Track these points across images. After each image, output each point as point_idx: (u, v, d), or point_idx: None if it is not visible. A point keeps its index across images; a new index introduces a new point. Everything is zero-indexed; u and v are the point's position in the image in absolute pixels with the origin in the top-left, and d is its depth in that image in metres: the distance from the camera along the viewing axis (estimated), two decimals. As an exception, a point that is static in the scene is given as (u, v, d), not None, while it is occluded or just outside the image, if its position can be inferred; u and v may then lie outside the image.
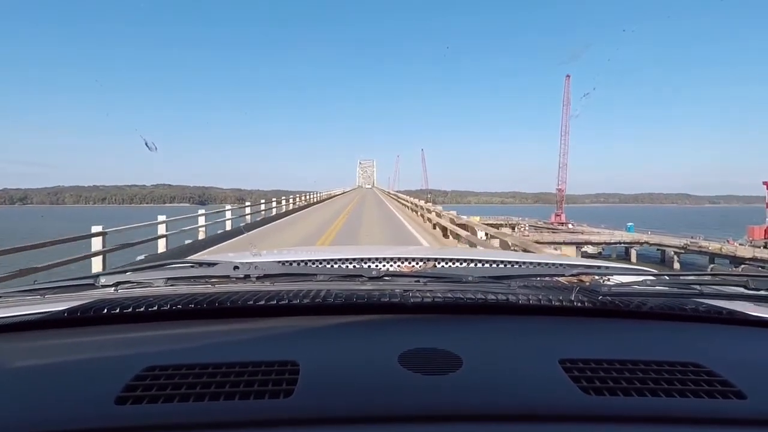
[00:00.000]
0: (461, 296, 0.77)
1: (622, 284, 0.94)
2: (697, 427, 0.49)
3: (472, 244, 8.53)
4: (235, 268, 0.92)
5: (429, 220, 14.68)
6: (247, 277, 0.90)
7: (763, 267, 25.05)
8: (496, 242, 7.95)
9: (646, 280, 0.97)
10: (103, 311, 0.72)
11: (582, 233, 41.83)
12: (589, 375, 0.56)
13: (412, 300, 0.76)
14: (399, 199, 32.06)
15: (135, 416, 0.48)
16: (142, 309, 0.73)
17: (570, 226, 50.75)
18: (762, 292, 0.81)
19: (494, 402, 0.52)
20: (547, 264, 1.41)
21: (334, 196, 44.99)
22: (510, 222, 51.82)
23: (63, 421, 0.47)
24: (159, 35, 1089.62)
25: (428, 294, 0.78)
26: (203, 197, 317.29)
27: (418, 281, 0.89)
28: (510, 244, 7.17)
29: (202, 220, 11.19)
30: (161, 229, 9.15)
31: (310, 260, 1.46)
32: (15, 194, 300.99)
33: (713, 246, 31.73)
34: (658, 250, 36.17)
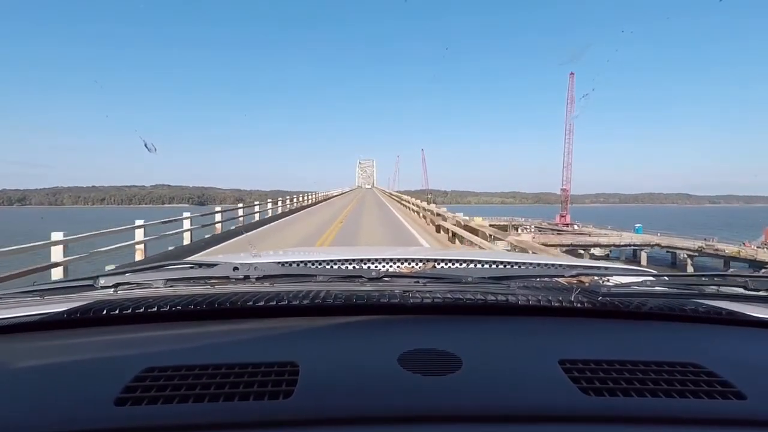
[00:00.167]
0: (461, 297, 0.77)
1: (622, 285, 0.95)
2: (697, 427, 0.49)
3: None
4: (235, 269, 0.92)
5: (447, 230, 11.46)
6: (246, 277, 0.90)
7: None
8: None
9: (645, 280, 0.98)
10: (102, 312, 0.72)
11: (589, 235, 40.66)
12: (589, 375, 0.56)
13: (411, 301, 0.76)
14: (401, 201, 29.02)
15: (134, 417, 0.48)
16: (141, 310, 0.73)
17: (575, 227, 49.87)
18: (762, 293, 0.82)
19: (494, 403, 0.52)
20: (546, 265, 1.40)
21: (331, 198, 43.29)
22: (514, 223, 51.06)
23: (62, 422, 0.47)
24: (159, 35, 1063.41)
25: (428, 295, 0.77)
26: (202, 198, 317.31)
27: (418, 282, 0.89)
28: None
29: (187, 224, 10.18)
30: (138, 235, 8.29)
31: (309, 261, 1.46)
32: (13, 195, 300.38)
33: (730, 249, 29.90)
34: (668, 252, 34.62)
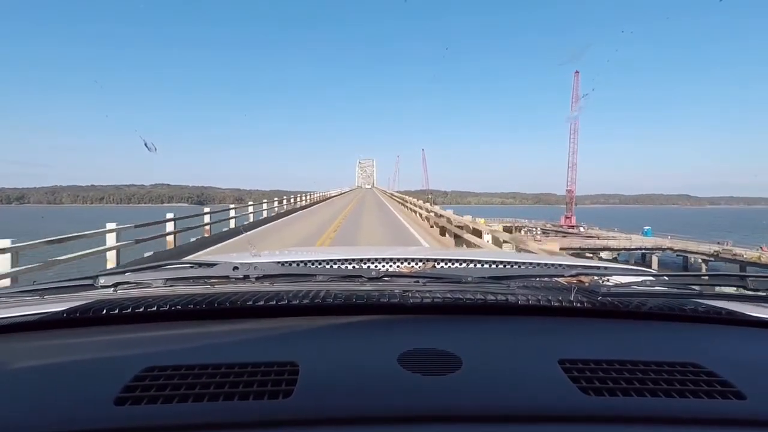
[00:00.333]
0: (461, 297, 0.77)
1: (622, 284, 0.95)
2: (697, 427, 0.49)
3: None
4: (235, 268, 0.91)
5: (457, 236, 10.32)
6: (246, 277, 0.90)
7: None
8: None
9: (645, 280, 0.98)
10: (102, 312, 0.72)
11: (597, 238, 39.65)
12: (589, 375, 0.56)
13: (411, 300, 0.76)
14: (404, 203, 25.12)
15: (134, 417, 0.48)
16: (141, 309, 0.73)
17: (581, 229, 49.36)
18: (762, 293, 0.82)
19: (494, 402, 0.52)
20: (546, 264, 1.41)
21: (329, 198, 42.46)
22: (517, 224, 50.49)
23: (62, 421, 0.47)
24: (159, 35, 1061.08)
25: (427, 294, 0.77)
26: (202, 197, 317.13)
27: (418, 282, 0.89)
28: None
29: (170, 227, 9.14)
30: (110, 240, 7.17)
31: (309, 261, 1.46)
32: (12, 194, 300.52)
33: (749, 254, 28.29)
34: (678, 256, 33.27)
